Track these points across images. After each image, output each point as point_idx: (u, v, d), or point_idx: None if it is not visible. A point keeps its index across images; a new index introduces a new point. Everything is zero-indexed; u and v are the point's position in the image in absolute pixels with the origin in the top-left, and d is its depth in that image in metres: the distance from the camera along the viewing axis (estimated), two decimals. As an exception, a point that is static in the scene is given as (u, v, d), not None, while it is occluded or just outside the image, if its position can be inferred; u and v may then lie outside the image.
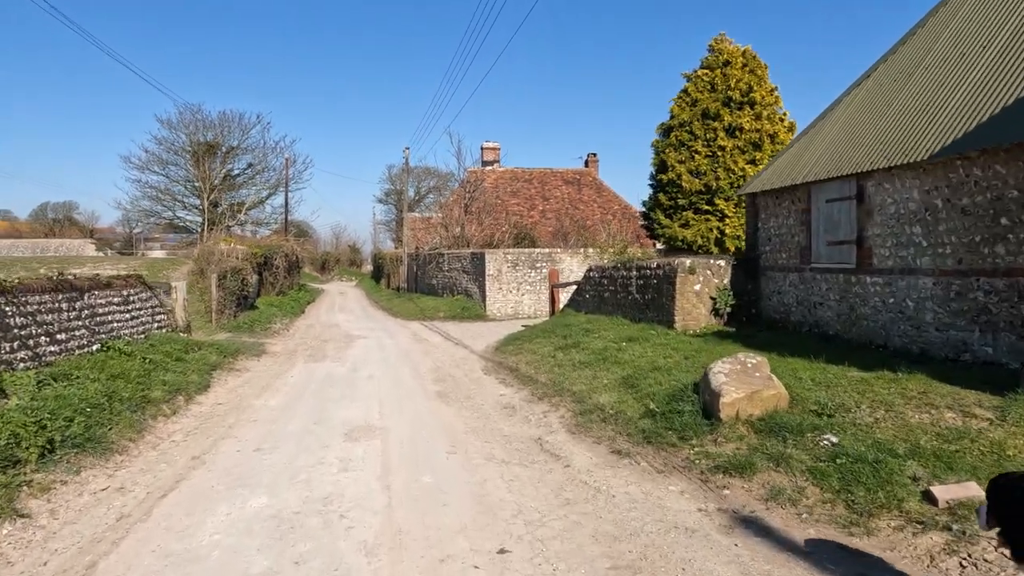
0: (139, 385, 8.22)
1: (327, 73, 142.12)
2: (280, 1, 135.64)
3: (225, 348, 12.34)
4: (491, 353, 13.61)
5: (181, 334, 12.20)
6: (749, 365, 6.26)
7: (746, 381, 6.02)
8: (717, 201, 21.06)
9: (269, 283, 29.54)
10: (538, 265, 22.41)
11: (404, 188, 37.53)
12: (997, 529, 2.61)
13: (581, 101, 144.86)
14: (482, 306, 22.65)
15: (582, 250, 22.62)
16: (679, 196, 21.60)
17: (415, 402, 8.88)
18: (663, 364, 8.40)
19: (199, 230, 42.52)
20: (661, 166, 22.26)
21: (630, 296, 12.17)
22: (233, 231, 45.03)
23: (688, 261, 10.49)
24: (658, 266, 11.11)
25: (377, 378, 10.93)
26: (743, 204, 20.77)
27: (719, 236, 21.03)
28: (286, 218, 42.23)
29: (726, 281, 10.68)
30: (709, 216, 21.15)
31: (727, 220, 20.96)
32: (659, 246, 23.32)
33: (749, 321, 10.71)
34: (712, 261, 10.67)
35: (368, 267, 72.36)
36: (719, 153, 21.10)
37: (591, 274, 14.33)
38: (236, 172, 46.48)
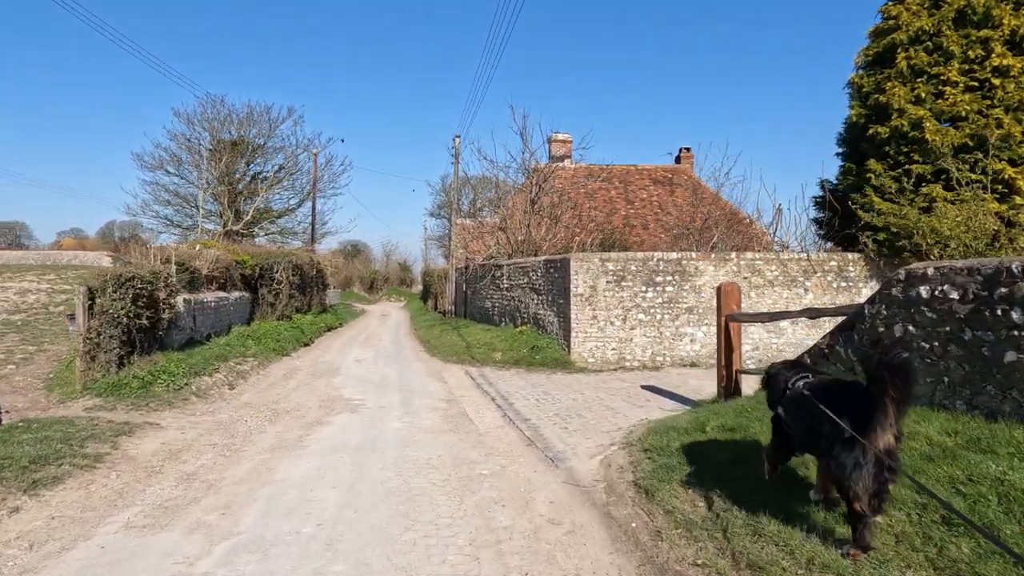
0: None
1: (365, 68, 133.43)
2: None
3: None
4: (641, 515, 4.86)
5: None
6: None
7: None
8: (997, 165, 11.70)
9: (268, 304, 21.79)
10: (658, 280, 13.54)
11: (455, 182, 29.35)
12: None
13: (670, 90, 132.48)
14: (563, 346, 13.93)
15: (734, 255, 13.61)
16: (914, 158, 12.36)
17: None
18: None
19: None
20: (876, 112, 13.04)
21: None
22: (257, 242, 38.32)
23: None
24: None
25: None
26: None
27: (997, 229, 11.63)
28: (312, 225, 34.80)
29: None
30: (980, 192, 11.80)
31: (1020, 199, 11.55)
32: (860, 247, 13.95)
33: None
34: None
35: (419, 286, 65.44)
36: (993, 82, 11.82)
37: (941, 290, 5.21)
38: (265, 175, 39.83)
